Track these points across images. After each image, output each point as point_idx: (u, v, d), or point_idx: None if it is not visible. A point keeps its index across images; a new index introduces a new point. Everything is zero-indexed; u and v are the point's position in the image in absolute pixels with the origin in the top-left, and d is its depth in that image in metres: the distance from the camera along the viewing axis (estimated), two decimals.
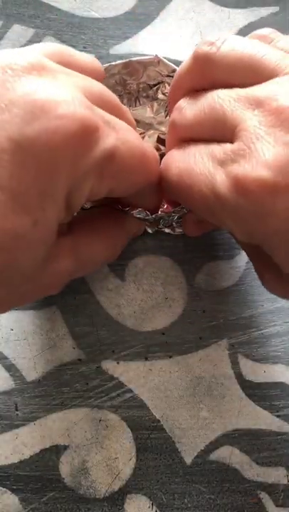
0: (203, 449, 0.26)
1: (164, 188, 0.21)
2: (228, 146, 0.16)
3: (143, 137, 0.27)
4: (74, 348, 0.27)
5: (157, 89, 0.26)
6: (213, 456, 0.26)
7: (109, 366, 0.26)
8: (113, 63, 0.25)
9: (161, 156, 0.27)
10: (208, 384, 0.26)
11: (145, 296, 0.27)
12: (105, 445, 0.26)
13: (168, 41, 0.30)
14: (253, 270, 0.27)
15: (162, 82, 0.26)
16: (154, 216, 0.23)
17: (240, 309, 0.27)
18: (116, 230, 0.23)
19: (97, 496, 0.25)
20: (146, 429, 0.26)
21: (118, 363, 0.27)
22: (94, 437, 0.26)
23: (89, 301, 0.27)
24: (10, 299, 0.18)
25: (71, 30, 0.30)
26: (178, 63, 0.24)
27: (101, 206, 0.24)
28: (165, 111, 0.27)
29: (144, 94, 0.26)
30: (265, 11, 0.31)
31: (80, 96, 0.16)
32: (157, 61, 0.25)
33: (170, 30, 0.30)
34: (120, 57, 0.29)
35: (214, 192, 0.16)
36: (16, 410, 0.26)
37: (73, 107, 0.15)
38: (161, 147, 0.27)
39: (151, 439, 0.26)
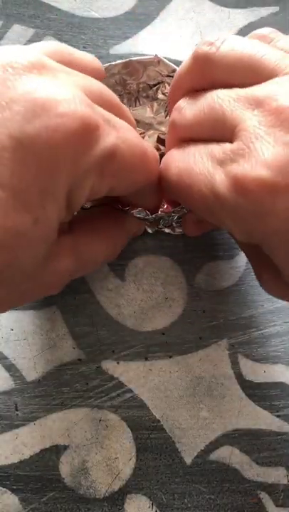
0: (203, 449, 0.26)
1: (164, 188, 0.21)
2: (227, 146, 0.16)
3: (143, 137, 0.27)
4: (74, 348, 0.27)
5: (157, 89, 0.26)
6: (213, 456, 0.26)
7: (109, 366, 0.26)
8: (113, 63, 0.25)
9: (161, 156, 0.27)
10: (208, 384, 0.26)
11: (145, 296, 0.27)
12: (105, 445, 0.26)
13: (168, 41, 0.30)
14: (253, 272, 0.27)
15: (162, 82, 0.26)
16: (154, 216, 0.23)
17: (240, 309, 0.27)
18: (116, 230, 0.23)
19: (97, 496, 0.25)
20: (146, 429, 0.26)
21: (118, 363, 0.27)
22: (94, 437, 0.26)
23: (89, 301, 0.27)
24: (10, 298, 0.18)
25: (71, 30, 0.30)
26: (178, 63, 0.24)
27: (101, 206, 0.24)
28: (165, 111, 0.27)
29: (144, 94, 0.26)
30: (265, 11, 0.31)
31: (80, 94, 0.16)
32: (157, 61, 0.25)
33: (170, 30, 0.30)
34: (120, 57, 0.29)
35: (213, 191, 0.16)
36: (16, 410, 0.26)
37: (74, 105, 0.15)
38: (161, 147, 0.27)
39: (151, 439, 0.26)
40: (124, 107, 0.20)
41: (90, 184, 0.17)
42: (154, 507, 0.25)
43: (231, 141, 0.16)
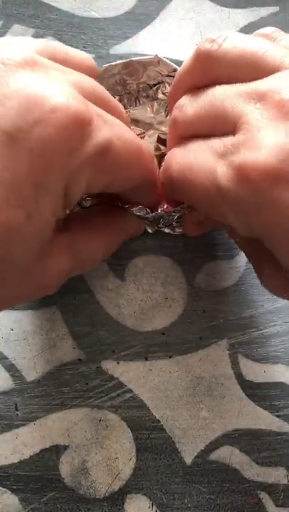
0: (203, 449, 0.26)
1: (166, 187, 0.21)
2: (229, 139, 0.16)
3: (143, 137, 0.27)
4: (74, 348, 0.27)
5: (157, 89, 0.26)
6: (213, 456, 0.26)
7: (109, 366, 0.26)
8: (113, 63, 0.25)
9: (162, 155, 0.27)
10: (208, 384, 0.26)
11: (145, 296, 0.27)
12: (105, 445, 0.26)
13: (168, 41, 0.30)
14: (254, 270, 0.27)
15: (162, 82, 0.26)
16: (153, 215, 0.23)
17: (240, 309, 0.27)
18: (113, 228, 0.23)
19: (97, 496, 0.25)
20: (146, 429, 0.26)
21: (118, 363, 0.27)
22: (94, 437, 0.26)
23: (89, 301, 0.27)
24: (4, 295, 0.18)
25: (71, 30, 0.30)
26: (178, 63, 0.25)
27: (101, 205, 0.24)
28: (165, 111, 0.27)
29: (144, 94, 0.26)
30: (265, 11, 0.31)
31: (72, 90, 0.16)
32: (157, 61, 0.25)
33: (170, 30, 0.30)
34: (120, 57, 0.29)
35: (215, 184, 0.16)
36: (16, 410, 0.26)
37: (66, 100, 0.15)
38: (162, 147, 0.27)
39: (151, 439, 0.26)
40: (118, 105, 0.20)
41: (85, 179, 0.17)
42: (154, 507, 0.25)
43: (233, 135, 0.16)
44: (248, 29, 0.30)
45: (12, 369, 0.26)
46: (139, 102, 0.27)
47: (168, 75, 0.25)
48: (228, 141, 0.16)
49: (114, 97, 0.21)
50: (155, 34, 0.30)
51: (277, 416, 0.26)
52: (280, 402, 0.26)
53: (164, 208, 0.25)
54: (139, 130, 0.27)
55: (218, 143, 0.17)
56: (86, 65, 0.19)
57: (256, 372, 0.26)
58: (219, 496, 0.25)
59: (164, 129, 0.27)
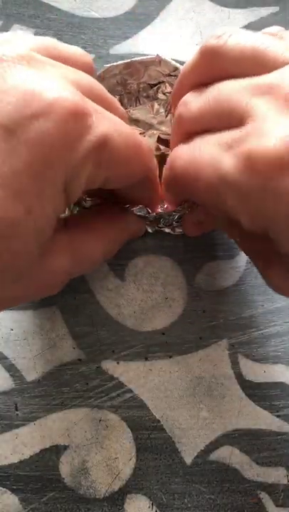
0: (203, 449, 0.26)
1: (170, 184, 0.21)
2: (235, 132, 0.16)
3: (143, 137, 0.27)
4: (74, 348, 0.27)
5: (158, 89, 0.26)
6: (213, 456, 0.26)
7: (109, 366, 0.26)
8: (114, 64, 0.25)
9: (162, 155, 0.27)
10: (208, 384, 0.26)
11: (145, 296, 0.27)
12: (105, 445, 0.26)
13: (168, 41, 0.30)
14: (253, 270, 0.27)
15: (163, 82, 0.26)
16: (154, 214, 0.23)
17: (240, 309, 0.27)
18: (114, 228, 0.23)
19: (97, 496, 0.25)
20: (146, 429, 0.26)
21: (118, 363, 0.27)
22: (94, 437, 0.26)
23: (89, 301, 0.27)
24: (5, 296, 0.18)
25: (71, 30, 0.30)
26: (178, 63, 0.25)
27: (101, 205, 0.24)
28: (165, 111, 0.27)
29: (145, 94, 0.26)
30: (265, 11, 0.31)
31: (69, 86, 0.16)
32: (159, 61, 0.25)
33: (170, 30, 0.30)
34: (120, 57, 0.29)
35: (221, 175, 0.16)
36: (16, 410, 0.26)
37: (64, 94, 0.15)
38: (161, 147, 0.27)
39: (151, 439, 0.26)
40: (116, 102, 0.20)
41: (84, 174, 0.17)
42: (154, 507, 0.25)
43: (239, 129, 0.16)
44: (248, 29, 0.30)
45: (12, 369, 0.26)
46: (139, 102, 0.27)
47: (169, 75, 0.25)
48: (234, 133, 0.16)
49: (115, 97, 0.21)
50: (155, 34, 0.30)
51: (277, 416, 0.26)
52: (280, 402, 0.26)
53: (164, 207, 0.25)
54: (139, 130, 0.27)
55: (224, 136, 0.17)
56: (83, 61, 0.19)
57: (256, 372, 0.26)
58: (219, 496, 0.25)
59: (164, 129, 0.27)
